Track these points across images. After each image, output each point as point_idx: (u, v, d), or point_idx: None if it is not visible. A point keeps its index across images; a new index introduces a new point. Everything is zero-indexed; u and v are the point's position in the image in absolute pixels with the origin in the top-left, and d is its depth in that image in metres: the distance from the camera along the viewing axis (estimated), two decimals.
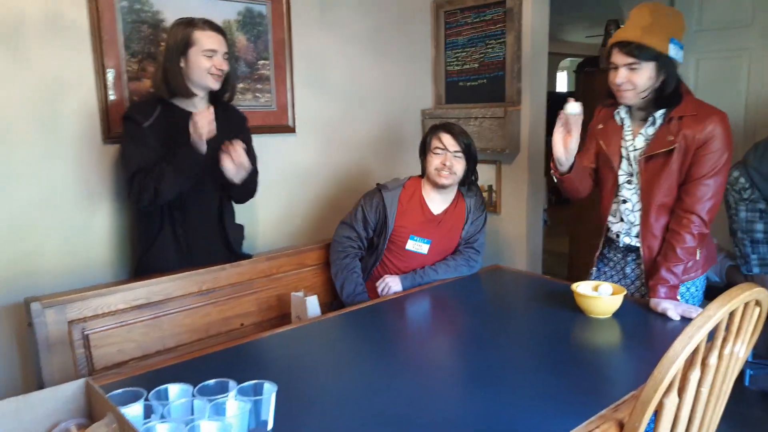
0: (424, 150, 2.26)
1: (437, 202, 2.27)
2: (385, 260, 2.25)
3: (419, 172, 2.34)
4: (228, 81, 2.10)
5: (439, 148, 2.19)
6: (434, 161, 2.20)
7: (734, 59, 3.41)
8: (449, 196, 2.29)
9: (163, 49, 2.05)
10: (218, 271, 2.08)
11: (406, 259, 2.23)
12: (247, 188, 2.18)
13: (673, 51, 1.76)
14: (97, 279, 2.21)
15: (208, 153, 1.96)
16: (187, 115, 1.99)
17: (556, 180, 1.97)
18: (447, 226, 2.26)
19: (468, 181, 2.31)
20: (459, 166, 2.19)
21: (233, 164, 1.96)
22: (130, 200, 1.97)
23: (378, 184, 2.31)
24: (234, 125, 2.19)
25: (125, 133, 2.02)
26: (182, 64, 1.99)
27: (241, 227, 2.31)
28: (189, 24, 1.98)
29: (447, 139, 2.18)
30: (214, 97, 2.13)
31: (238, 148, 1.95)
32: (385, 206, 2.22)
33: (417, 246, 2.22)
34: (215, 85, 2.02)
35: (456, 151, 2.18)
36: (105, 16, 2.14)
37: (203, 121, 1.89)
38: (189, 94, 2.02)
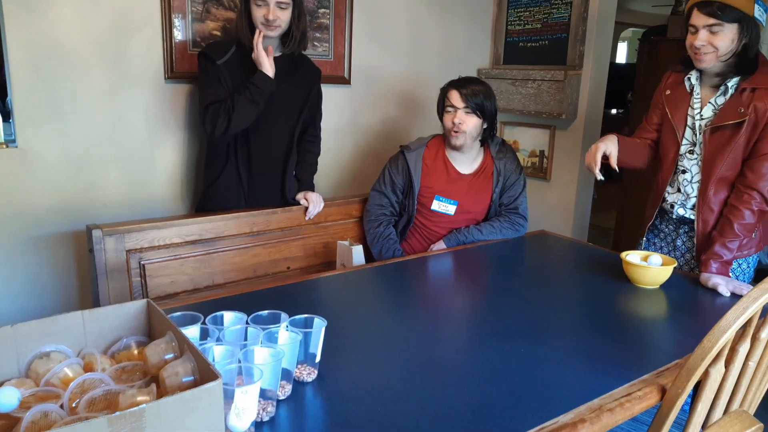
0: (440, 108, 2.22)
1: (462, 162, 2.23)
2: (417, 222, 2.25)
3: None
4: (292, 32, 2.08)
5: (449, 106, 2.14)
6: (446, 120, 2.16)
7: None
8: (473, 155, 2.24)
9: None
10: (270, 214, 2.13)
11: (435, 220, 2.23)
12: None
13: (758, 12, 1.66)
14: (156, 213, 2.30)
15: (280, 102, 1.99)
16: None
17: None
18: (475, 188, 2.23)
19: (494, 140, 2.26)
20: (470, 124, 2.13)
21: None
22: (204, 129, 2.02)
23: (401, 146, 2.28)
24: (307, 78, 2.21)
25: (200, 68, 2.06)
26: (245, 12, 2.02)
27: (294, 181, 2.35)
28: None
29: (454, 97, 2.13)
30: (286, 46, 2.12)
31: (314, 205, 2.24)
32: (409, 167, 2.20)
33: (443, 207, 2.20)
34: (271, 33, 2.02)
35: (465, 107, 2.12)
36: None
37: (258, 45, 1.97)
38: (247, 40, 2.04)
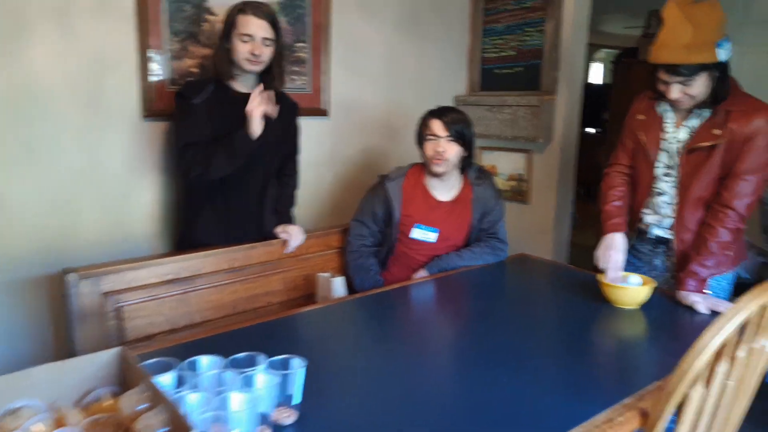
0: (419, 139, 2.23)
1: (441, 190, 2.24)
2: (398, 250, 2.25)
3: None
4: (272, 68, 2.11)
5: (430, 135, 2.16)
6: (427, 149, 2.17)
7: None
8: (452, 183, 2.25)
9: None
10: (249, 249, 2.11)
11: (416, 248, 2.22)
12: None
13: (722, 54, 1.68)
14: (135, 252, 2.28)
15: (257, 139, 1.99)
16: (239, 96, 2.05)
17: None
18: (454, 215, 2.23)
19: (472, 167, 2.27)
20: (452, 152, 2.14)
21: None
22: (178, 172, 2.02)
23: (380, 175, 2.29)
24: (285, 114, 2.21)
25: (176, 108, 2.06)
26: (228, 46, 2.03)
27: (274, 211, 2.34)
28: (238, 8, 2.02)
29: (436, 126, 2.14)
30: (266, 83, 2.13)
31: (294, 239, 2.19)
32: (389, 196, 2.20)
33: (424, 234, 2.20)
34: (254, 68, 2.04)
35: (447, 136, 2.13)
36: None
37: (256, 99, 1.95)
38: (232, 76, 2.06)
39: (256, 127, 1.97)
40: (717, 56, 1.67)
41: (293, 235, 2.22)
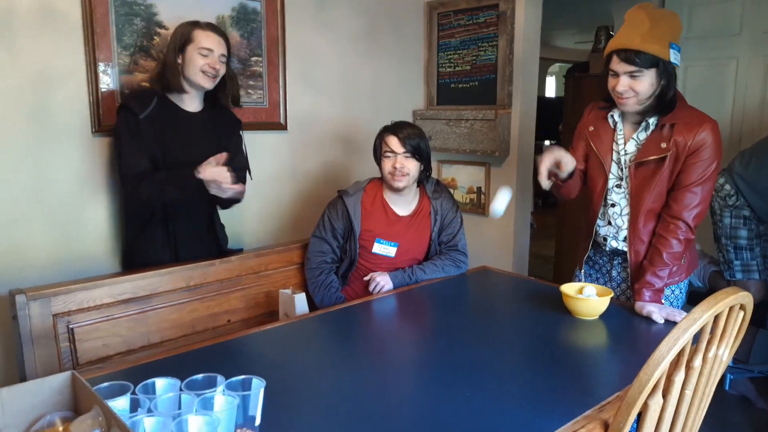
0: (376, 154, 2.25)
1: (400, 205, 2.25)
2: (360, 264, 2.24)
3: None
4: (225, 85, 2.12)
5: (387, 151, 2.17)
6: (386, 165, 2.18)
7: (722, 67, 3.46)
8: (411, 197, 2.27)
9: (167, 45, 2.09)
10: (207, 266, 2.08)
11: (377, 262, 2.22)
12: (232, 201, 2.16)
13: (673, 56, 1.75)
14: (87, 272, 2.20)
15: (200, 156, 1.95)
16: (180, 112, 2.06)
17: (551, 185, 1.95)
18: (413, 229, 2.25)
19: (428, 180, 2.30)
20: (411, 167, 2.16)
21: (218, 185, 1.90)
22: (128, 198, 2.00)
23: (339, 191, 2.28)
24: (227, 128, 2.19)
25: (121, 123, 2.00)
26: (179, 60, 2.01)
27: (222, 227, 2.31)
28: (193, 24, 2.03)
29: (393, 142, 2.16)
30: (209, 98, 2.14)
31: (222, 171, 1.90)
32: (349, 212, 2.20)
33: (384, 249, 2.21)
34: (207, 84, 2.04)
35: (404, 152, 2.15)
36: (98, 8, 2.13)
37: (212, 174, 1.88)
38: (181, 90, 2.05)
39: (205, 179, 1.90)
40: (669, 55, 1.73)
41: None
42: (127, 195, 2.01)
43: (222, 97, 2.14)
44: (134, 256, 2.07)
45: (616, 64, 1.77)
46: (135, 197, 1.98)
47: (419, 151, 2.16)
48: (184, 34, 2.00)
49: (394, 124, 2.22)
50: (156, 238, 2.06)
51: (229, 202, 2.17)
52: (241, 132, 2.26)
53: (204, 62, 1.99)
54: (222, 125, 2.17)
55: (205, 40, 1.99)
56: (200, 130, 2.08)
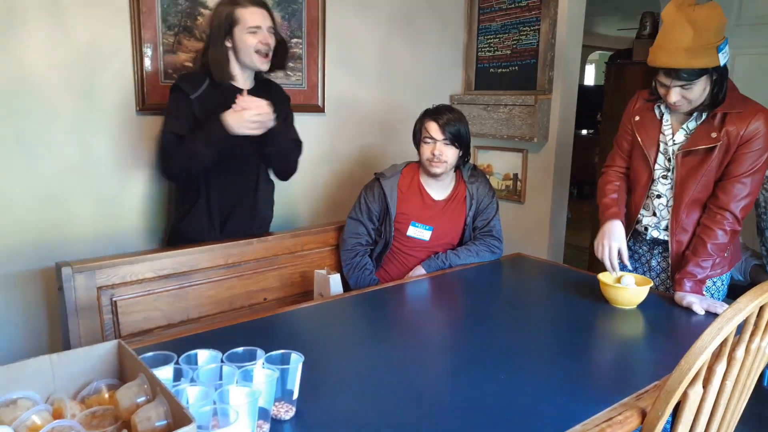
0: (416, 139, 2.23)
1: (436, 189, 2.25)
2: (394, 247, 2.25)
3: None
4: (276, 54, 2.05)
5: (427, 137, 2.16)
6: (425, 151, 2.17)
7: None
8: (448, 182, 2.26)
9: (208, 31, 2.03)
10: (245, 245, 2.11)
11: (411, 245, 2.23)
12: (288, 165, 2.17)
13: (722, 58, 1.67)
14: (129, 247, 2.26)
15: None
16: (232, 89, 2.00)
17: None
18: (449, 213, 2.24)
19: (466, 166, 2.28)
20: (449, 153, 2.14)
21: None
22: (159, 169, 2.00)
23: (376, 174, 2.28)
24: (278, 106, 2.19)
25: (171, 102, 2.00)
26: (228, 44, 1.97)
27: (270, 204, 2.32)
28: (231, 2, 1.95)
29: (433, 128, 2.14)
30: (260, 75, 2.12)
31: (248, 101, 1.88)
32: (386, 195, 2.20)
33: (419, 232, 2.21)
34: (264, 66, 2.00)
35: (444, 140, 2.13)
36: None
37: (253, 108, 1.86)
38: (226, 79, 2.00)
39: (237, 129, 1.86)
40: (718, 60, 1.66)
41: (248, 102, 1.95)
42: (161, 165, 1.97)
43: (275, 63, 2.07)
44: (180, 237, 2.09)
45: (664, 79, 1.73)
46: (164, 166, 1.96)
47: (459, 138, 2.15)
48: (228, 16, 1.94)
49: (435, 108, 2.20)
50: (202, 221, 2.08)
51: (283, 170, 2.18)
52: (290, 107, 2.25)
53: (255, 40, 1.94)
54: (273, 101, 2.16)
55: (251, 17, 1.93)
56: None
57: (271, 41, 1.99)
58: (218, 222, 2.11)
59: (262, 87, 2.13)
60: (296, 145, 2.19)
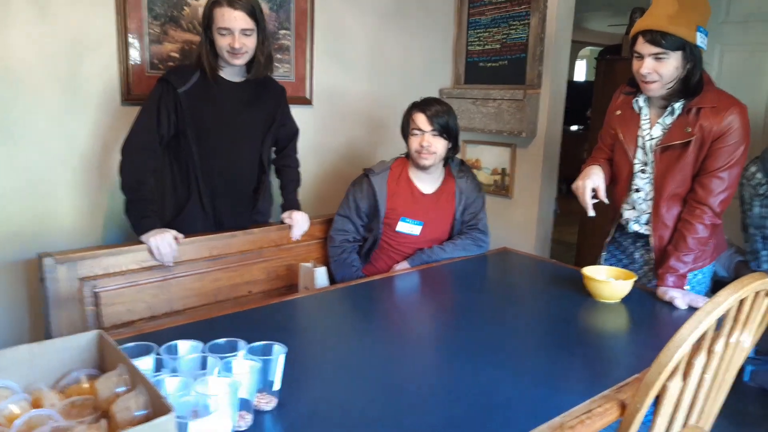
0: (405, 130, 2.22)
1: (426, 183, 2.25)
2: (383, 243, 2.24)
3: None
4: (258, 57, 2.03)
5: (415, 129, 2.15)
6: (413, 143, 2.17)
7: (760, 53, 3.37)
8: (436, 176, 2.26)
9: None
10: (230, 237, 2.10)
11: (401, 241, 2.22)
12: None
13: (699, 39, 1.71)
14: (112, 239, 2.24)
15: (244, 129, 1.95)
16: (226, 84, 2.02)
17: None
18: (438, 208, 2.24)
19: (455, 161, 2.29)
20: (438, 145, 2.15)
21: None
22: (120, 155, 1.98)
23: (365, 169, 2.27)
24: (273, 98, 2.19)
25: (154, 94, 1.97)
26: (211, 39, 1.96)
27: (269, 199, 2.31)
28: (213, 2, 1.92)
29: (421, 120, 2.14)
30: (250, 67, 2.08)
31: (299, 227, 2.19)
32: (375, 191, 2.19)
33: (409, 228, 2.20)
34: (237, 62, 1.98)
35: (432, 131, 2.13)
36: None
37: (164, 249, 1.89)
38: (215, 69, 2.00)
39: (152, 243, 1.88)
40: (695, 38, 1.69)
41: (297, 222, 2.20)
42: (121, 155, 1.95)
43: (256, 70, 2.05)
44: (175, 228, 2.06)
45: (642, 45, 1.74)
46: (121, 167, 1.94)
47: (447, 130, 2.15)
48: (206, 15, 1.93)
49: (423, 100, 2.20)
50: (197, 217, 2.07)
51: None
52: (286, 100, 2.25)
53: (225, 42, 1.92)
54: (267, 94, 2.15)
55: (222, 18, 1.89)
56: (245, 99, 2.06)
57: (246, 42, 1.94)
58: (213, 218, 2.10)
59: (254, 83, 2.11)
60: (295, 141, 2.31)
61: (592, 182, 1.91)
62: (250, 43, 1.96)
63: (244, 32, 1.93)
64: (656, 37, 1.70)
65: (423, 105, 2.17)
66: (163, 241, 1.88)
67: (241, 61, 1.98)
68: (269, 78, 2.19)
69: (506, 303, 1.81)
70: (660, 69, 1.73)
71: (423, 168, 2.19)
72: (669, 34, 1.69)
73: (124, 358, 0.99)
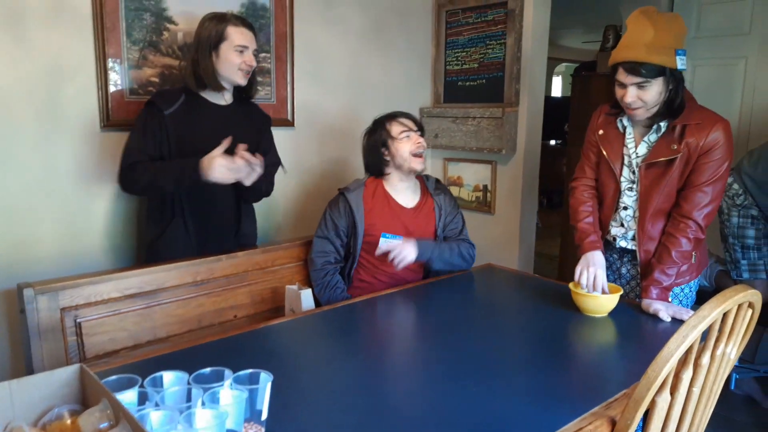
0: (384, 143, 2.18)
1: (404, 195, 2.23)
2: (362, 261, 2.22)
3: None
4: (253, 78, 2.10)
5: (404, 131, 2.16)
6: (405, 147, 2.14)
7: (731, 67, 3.45)
8: (413, 188, 2.26)
9: (194, 43, 2.03)
10: (214, 261, 2.08)
11: (383, 258, 2.15)
12: (258, 190, 2.16)
13: (680, 62, 1.72)
14: (94, 266, 2.21)
15: (228, 151, 1.94)
16: (212, 106, 2.05)
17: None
18: (418, 220, 2.22)
19: (429, 179, 2.31)
20: (425, 144, 2.21)
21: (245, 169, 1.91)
22: (119, 185, 1.98)
23: (340, 189, 2.26)
24: (258, 124, 2.20)
25: (141, 117, 1.99)
26: (214, 59, 1.98)
27: (252, 223, 2.31)
28: (222, 19, 1.98)
29: (406, 122, 2.17)
30: (239, 93, 2.13)
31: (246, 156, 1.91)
32: (352, 208, 2.17)
33: (389, 245, 2.14)
34: (243, 81, 2.03)
35: (417, 131, 2.17)
36: (108, 3, 2.14)
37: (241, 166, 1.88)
38: (219, 88, 2.04)
39: (216, 176, 1.87)
40: (675, 63, 1.71)
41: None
42: (123, 183, 1.97)
43: (251, 90, 2.13)
44: (157, 256, 2.05)
45: (623, 76, 1.76)
46: (125, 184, 1.96)
47: (423, 130, 2.23)
48: (218, 32, 1.96)
49: (392, 112, 2.24)
50: (178, 239, 2.06)
51: (254, 196, 2.20)
52: (270, 128, 2.27)
53: (240, 60, 1.97)
54: (252, 120, 2.17)
55: (240, 37, 1.96)
56: (232, 122, 2.07)
57: (254, 63, 2.03)
58: (195, 240, 2.08)
59: (243, 105, 2.13)
60: (274, 171, 2.24)
61: (595, 269, 1.85)
62: (255, 64, 2.05)
63: (254, 52, 2.02)
64: (636, 68, 1.72)
65: (396, 113, 2.22)
66: (221, 167, 1.85)
67: (246, 80, 2.05)
68: (254, 105, 2.21)
69: (493, 319, 1.81)
70: (644, 96, 1.75)
71: (416, 173, 2.20)
72: (648, 63, 1.70)
73: (106, 392, 0.97)
